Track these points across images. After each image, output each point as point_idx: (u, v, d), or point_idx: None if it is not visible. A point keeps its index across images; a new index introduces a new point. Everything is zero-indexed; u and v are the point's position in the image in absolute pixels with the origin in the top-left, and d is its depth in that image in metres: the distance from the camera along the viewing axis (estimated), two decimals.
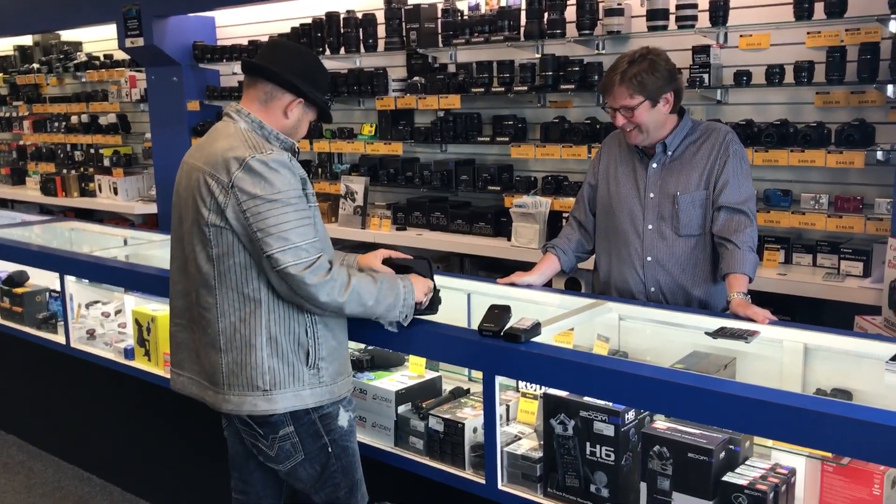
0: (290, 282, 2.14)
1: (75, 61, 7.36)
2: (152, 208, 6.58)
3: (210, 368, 2.28)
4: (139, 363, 3.48)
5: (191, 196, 2.26)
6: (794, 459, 2.11)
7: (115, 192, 6.87)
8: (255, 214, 2.14)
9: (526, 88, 4.52)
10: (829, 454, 2.10)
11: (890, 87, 3.48)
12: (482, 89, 4.69)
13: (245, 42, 5.86)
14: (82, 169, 7.39)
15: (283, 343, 2.23)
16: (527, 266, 3.09)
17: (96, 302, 4.01)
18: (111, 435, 3.90)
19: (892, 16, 3.41)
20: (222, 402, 2.26)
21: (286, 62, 2.30)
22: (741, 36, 3.85)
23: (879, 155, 3.56)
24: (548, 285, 3.14)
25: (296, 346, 2.24)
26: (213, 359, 2.27)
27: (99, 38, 7.35)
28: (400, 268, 2.54)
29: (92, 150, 7.37)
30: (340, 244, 5.04)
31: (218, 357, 2.25)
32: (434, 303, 2.55)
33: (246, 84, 2.36)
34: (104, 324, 3.86)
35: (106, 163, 7.18)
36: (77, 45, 7.67)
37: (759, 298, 2.73)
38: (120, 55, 6.77)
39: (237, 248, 2.20)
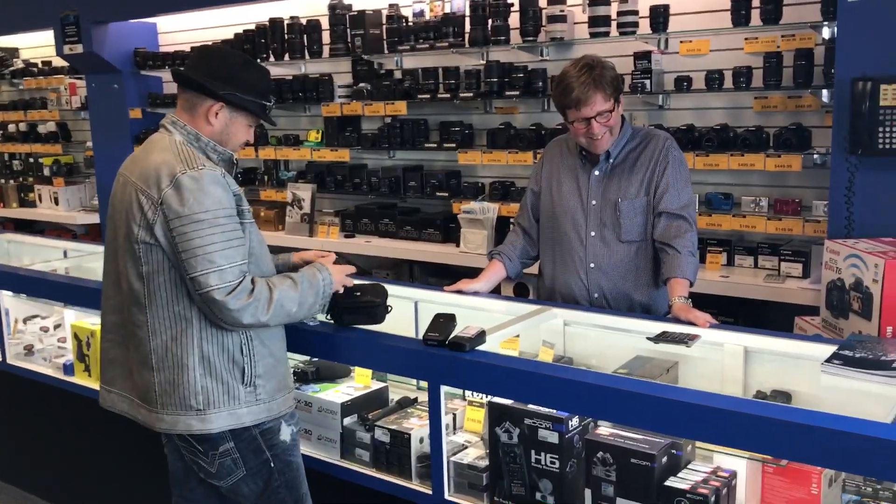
0: (213, 306, 2.10)
1: (12, 68, 7.16)
2: (95, 218, 6.44)
3: (143, 387, 2.23)
4: (79, 379, 3.39)
5: (123, 211, 2.21)
6: (735, 462, 2.13)
7: (56, 202, 6.70)
8: (180, 234, 2.09)
9: (472, 95, 4.53)
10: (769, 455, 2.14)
11: (825, 92, 3.56)
12: (428, 95, 4.69)
13: (188, 49, 5.77)
14: (21, 179, 7.20)
15: (217, 362, 2.18)
16: (475, 272, 3.09)
17: (35, 316, 3.90)
18: (50, 453, 3.79)
19: (825, 22, 3.50)
20: (156, 422, 2.21)
21: (205, 67, 2.26)
22: (681, 42, 3.91)
23: (816, 158, 3.64)
24: (496, 291, 3.14)
25: (230, 365, 2.20)
26: (145, 377, 2.21)
27: (36, 45, 7.16)
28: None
29: (31, 160, 7.19)
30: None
31: (150, 376, 2.20)
32: (379, 313, 2.53)
33: (177, 92, 2.32)
34: (43, 339, 3.75)
35: (46, 172, 7.00)
36: (13, 52, 7.47)
37: (702, 300, 2.77)
38: (59, 62, 6.61)
39: (167, 265, 2.15)
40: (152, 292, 2.17)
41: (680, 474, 2.04)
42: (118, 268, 2.27)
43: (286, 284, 2.22)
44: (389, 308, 2.56)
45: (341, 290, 2.43)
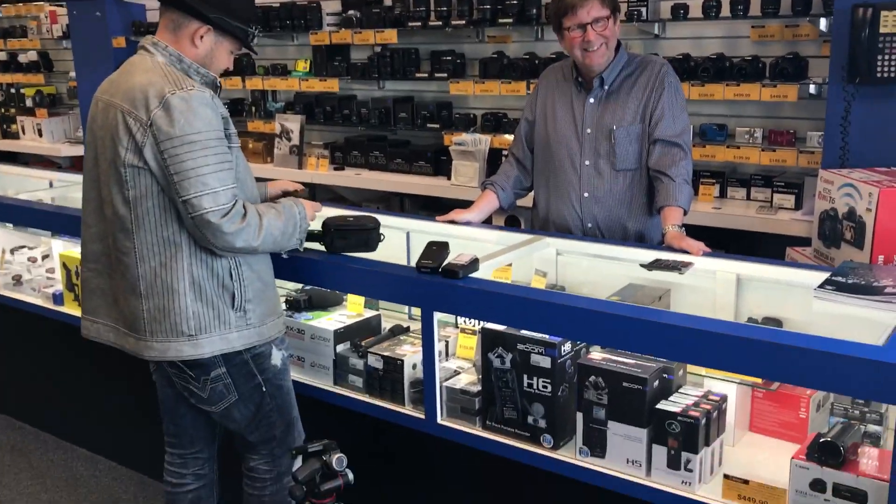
0: (207, 229, 2.06)
1: None
2: (80, 150, 6.33)
3: (130, 315, 2.20)
4: (69, 308, 3.37)
5: (108, 135, 2.15)
6: (726, 386, 2.15)
7: (40, 134, 6.59)
8: (172, 156, 2.05)
9: (464, 22, 4.43)
10: (759, 380, 2.16)
11: (823, 21, 3.50)
12: (419, 23, 4.58)
13: None
14: (3, 110, 7.06)
15: (207, 287, 2.16)
16: (467, 204, 3.06)
17: (22, 247, 3.86)
18: (42, 382, 3.80)
19: None
20: (144, 349, 2.19)
21: None
22: None
23: (812, 88, 3.60)
24: (487, 222, 3.12)
25: (220, 290, 2.18)
26: (132, 305, 2.19)
27: None
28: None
29: (12, 90, 7.03)
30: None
31: (138, 303, 2.17)
32: (372, 239, 2.52)
33: (160, 13, 2.24)
34: (31, 269, 3.72)
35: (28, 103, 6.86)
36: None
37: (695, 232, 2.76)
38: None
39: (155, 189, 2.11)
40: (140, 217, 2.13)
41: (671, 398, 2.06)
42: (101, 194, 2.22)
43: (272, 213, 2.21)
44: (382, 236, 2.54)
45: (311, 224, 2.42)
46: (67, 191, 4.04)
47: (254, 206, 2.18)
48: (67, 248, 3.45)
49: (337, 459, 2.02)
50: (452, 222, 2.92)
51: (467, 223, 2.92)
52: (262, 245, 2.17)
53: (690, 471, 1.97)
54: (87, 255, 2.33)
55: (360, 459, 2.13)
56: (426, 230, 2.99)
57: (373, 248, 2.53)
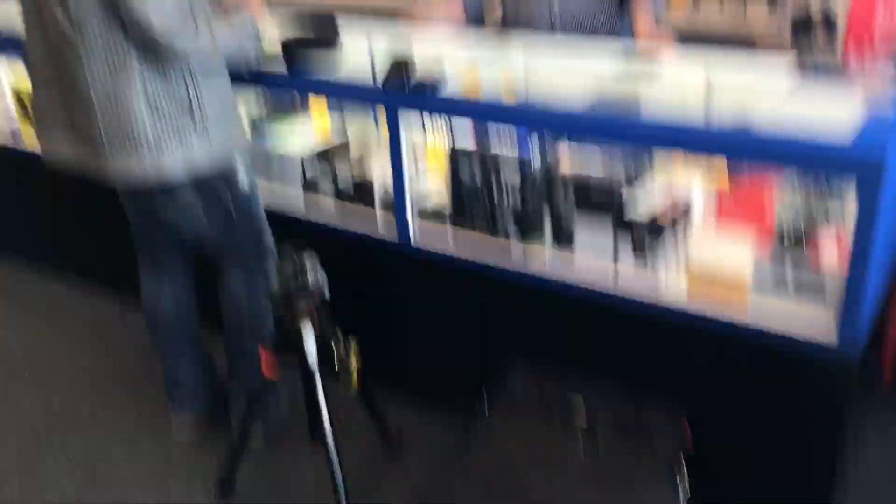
0: (150, 33, 1.95)
1: None
2: None
3: (87, 133, 2.12)
4: (28, 142, 3.28)
5: None
6: (692, 180, 2.17)
7: None
8: None
9: None
10: (725, 173, 2.17)
11: None
12: None
13: None
14: None
15: (163, 102, 2.06)
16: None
17: None
18: (12, 209, 3.76)
19: None
20: (106, 165, 2.12)
21: None
22: None
23: None
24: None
25: (176, 104, 2.08)
26: (88, 124, 2.09)
27: None
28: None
29: None
30: None
31: (94, 122, 2.08)
32: (332, 37, 2.47)
33: None
34: None
35: None
36: None
37: None
38: None
39: (97, 1, 1.97)
40: (86, 34, 2.01)
41: (638, 192, 2.08)
42: (42, 14, 2.08)
43: (221, 25, 2.12)
44: (340, 38, 2.48)
45: (262, 21, 2.34)
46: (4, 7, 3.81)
47: (200, 6, 2.06)
48: (18, 79, 3.29)
49: (308, 255, 2.03)
50: (416, 23, 2.82)
51: (431, 24, 2.81)
52: (212, 49, 2.08)
53: (656, 263, 2.02)
54: (37, 77, 2.22)
55: (335, 275, 2.13)
56: (389, 32, 2.87)
57: (334, 45, 2.46)
